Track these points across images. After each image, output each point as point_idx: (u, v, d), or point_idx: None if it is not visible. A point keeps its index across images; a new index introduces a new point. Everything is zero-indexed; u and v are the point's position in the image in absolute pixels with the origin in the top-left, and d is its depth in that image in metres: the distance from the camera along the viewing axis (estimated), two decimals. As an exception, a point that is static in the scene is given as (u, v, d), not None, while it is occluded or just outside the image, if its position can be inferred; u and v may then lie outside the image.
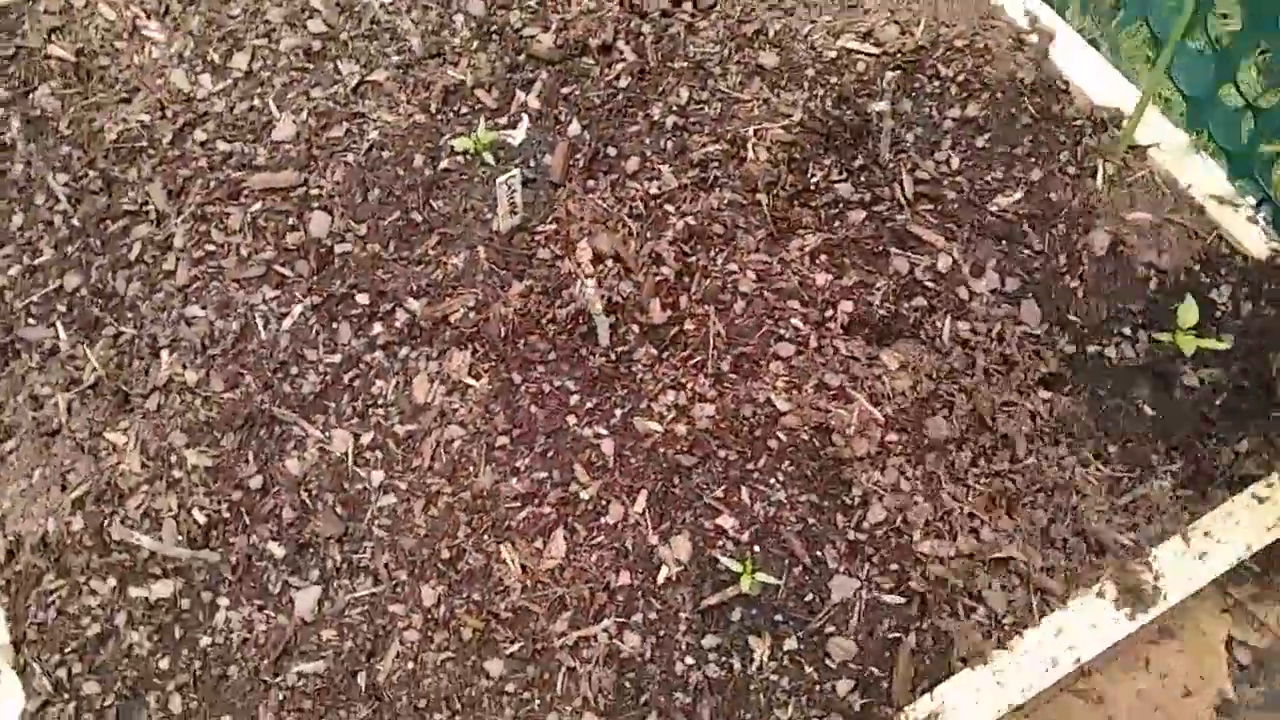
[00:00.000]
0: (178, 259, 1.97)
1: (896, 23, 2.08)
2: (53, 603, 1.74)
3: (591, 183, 1.97)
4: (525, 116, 2.07)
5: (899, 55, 2.05)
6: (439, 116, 2.08)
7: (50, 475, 1.86)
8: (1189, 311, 1.73)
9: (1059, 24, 2.11)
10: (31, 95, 2.27)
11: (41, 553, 1.80)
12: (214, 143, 2.12)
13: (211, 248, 1.98)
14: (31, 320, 1.99)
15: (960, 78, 2.03)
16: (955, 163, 1.95)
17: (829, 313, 1.83)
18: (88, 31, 2.33)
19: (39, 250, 2.07)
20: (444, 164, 2.02)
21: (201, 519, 1.77)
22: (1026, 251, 1.86)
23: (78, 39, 2.32)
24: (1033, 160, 1.95)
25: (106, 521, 1.80)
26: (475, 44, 2.16)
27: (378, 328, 1.88)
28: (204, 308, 1.93)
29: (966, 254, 1.86)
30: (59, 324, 1.98)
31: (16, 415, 1.92)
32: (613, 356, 1.83)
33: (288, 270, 1.95)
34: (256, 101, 2.17)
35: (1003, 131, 1.98)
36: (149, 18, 2.33)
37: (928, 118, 2.01)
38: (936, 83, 2.03)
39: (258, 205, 2.01)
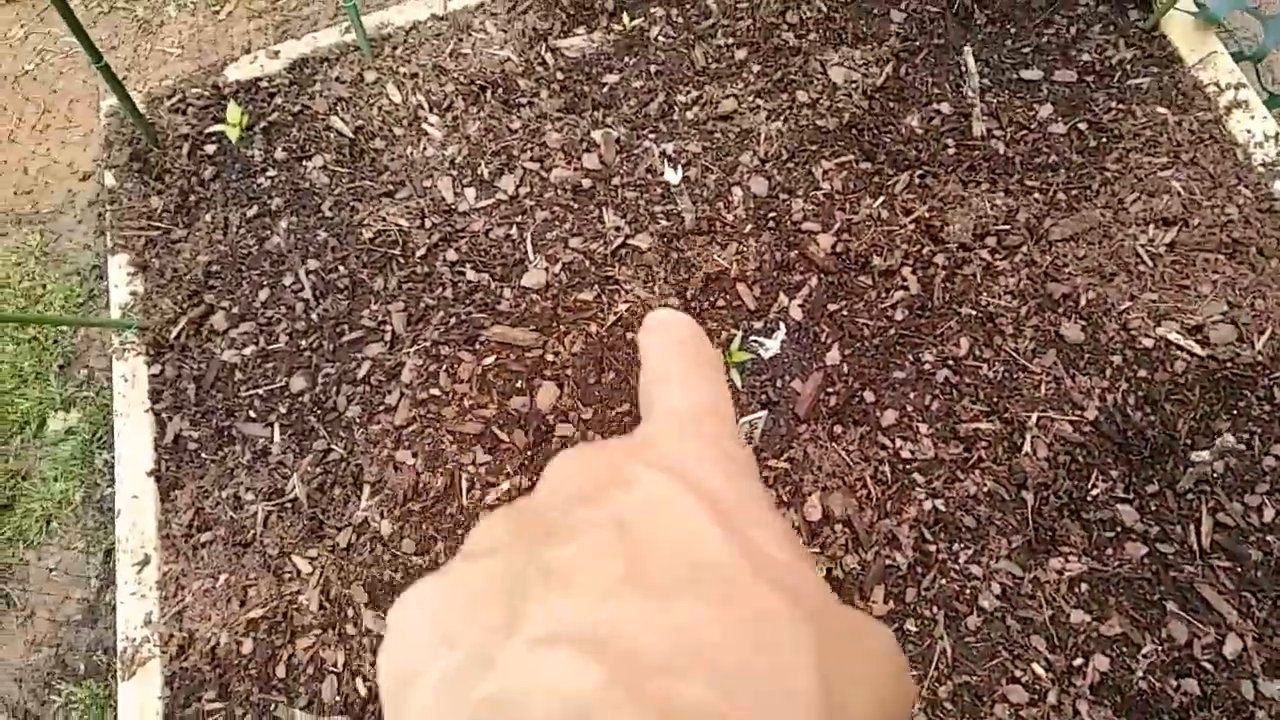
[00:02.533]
0: (402, 394, 1.93)
1: (1234, 323, 1.78)
2: (207, 726, 1.75)
3: (839, 428, 1.79)
4: (783, 326, 1.90)
5: (1229, 365, 1.76)
6: (693, 303, 1.94)
7: (234, 584, 1.86)
8: None
9: None
10: (305, 164, 2.28)
11: (210, 662, 1.81)
12: (463, 267, 2.06)
13: (436, 392, 1.92)
14: (253, 415, 1.99)
15: (1299, 411, 1.72)
16: (1270, 515, 1.66)
17: (1079, 663, 1.59)
18: (370, 110, 2.32)
19: (275, 335, 2.07)
20: (687, 361, 1.88)
21: (363, 689, 1.72)
22: (1338, 659, 1.56)
23: (360, 115, 2.31)
24: (1370, 541, 1.63)
25: (275, 656, 1.78)
26: (749, 227, 2.00)
27: (580, 531, 1.77)
28: (415, 455, 1.88)
29: (1262, 641, 1.57)
30: (276, 425, 1.97)
31: (218, 509, 1.93)
32: (819, 635, 1.66)
33: (505, 435, 1.87)
34: (514, 232, 2.10)
35: (1338, 492, 1.67)
36: (431, 110, 2.30)
37: (1247, 449, 1.71)
38: (1268, 409, 1.73)
39: (491, 359, 1.93)
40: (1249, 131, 2.00)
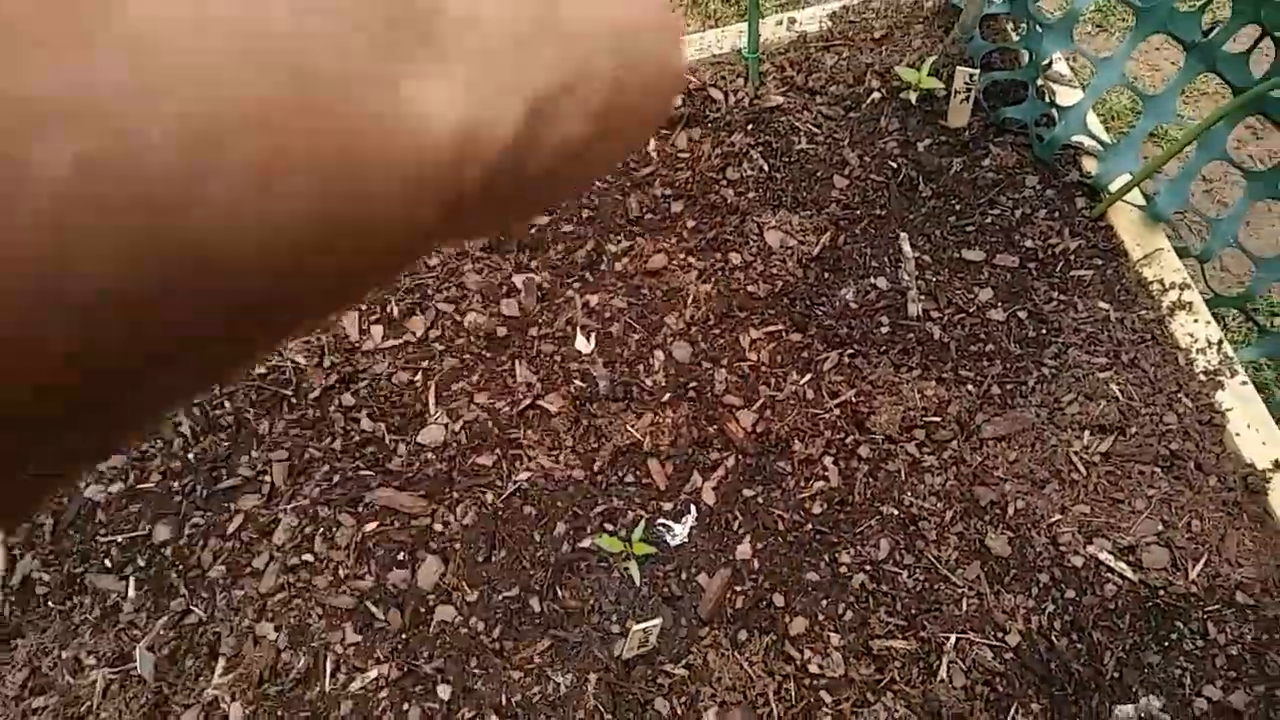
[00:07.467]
0: (270, 558, 1.76)
1: (1168, 545, 1.67)
2: None
3: (744, 634, 1.64)
4: (694, 510, 1.76)
5: (1161, 593, 1.64)
6: (600, 478, 1.80)
7: (59, 764, 1.65)
8: None
9: (1381, 614, 1.65)
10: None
11: None
12: (358, 413, 1.91)
13: (309, 557, 1.75)
14: (108, 564, 1.80)
15: (1233, 650, 1.60)
16: (1199, 768, 1.52)
17: None
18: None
19: (147, 472, 1.90)
20: (586, 542, 1.74)
21: None
22: None
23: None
24: (1305, 810, 1.50)
25: None
26: (668, 396, 1.88)
27: (449, 733, 1.60)
28: (278, 628, 1.69)
29: None
30: (132, 579, 1.78)
31: (55, 672, 1.73)
32: None
33: (379, 613, 1.70)
34: (418, 378, 1.96)
35: (1273, 747, 1.54)
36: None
37: (1176, 684, 1.58)
38: (1200, 644, 1.61)
39: (373, 525, 1.77)
40: (1191, 335, 1.92)
